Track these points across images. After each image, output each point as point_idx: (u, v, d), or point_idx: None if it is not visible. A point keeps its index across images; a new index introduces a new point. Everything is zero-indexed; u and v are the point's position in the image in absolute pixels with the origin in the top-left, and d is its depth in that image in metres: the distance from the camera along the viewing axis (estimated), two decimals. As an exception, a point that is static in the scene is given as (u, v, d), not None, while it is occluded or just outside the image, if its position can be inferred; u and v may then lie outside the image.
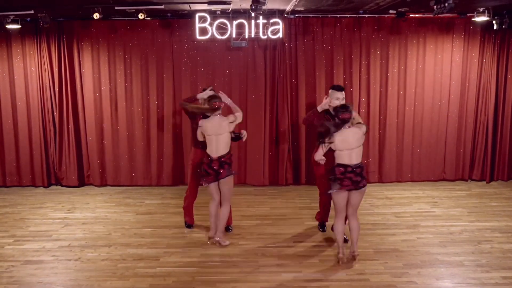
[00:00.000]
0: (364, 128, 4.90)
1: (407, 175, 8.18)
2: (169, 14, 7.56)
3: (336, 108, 4.93)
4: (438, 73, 8.01)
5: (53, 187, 8.20)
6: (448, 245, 5.52)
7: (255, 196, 7.54)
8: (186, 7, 6.90)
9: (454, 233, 5.90)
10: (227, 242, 5.53)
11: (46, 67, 7.83)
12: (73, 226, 6.29)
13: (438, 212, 6.69)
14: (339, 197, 4.88)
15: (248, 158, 8.10)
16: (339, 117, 4.81)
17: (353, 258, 5.05)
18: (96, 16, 6.57)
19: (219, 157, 5.29)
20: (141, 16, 6.90)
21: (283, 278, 4.74)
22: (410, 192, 7.61)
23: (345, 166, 4.79)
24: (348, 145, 4.78)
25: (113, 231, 6.08)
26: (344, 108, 4.84)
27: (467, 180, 8.29)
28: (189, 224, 6.18)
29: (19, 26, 7.08)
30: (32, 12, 6.64)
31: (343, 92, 5.40)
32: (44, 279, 4.76)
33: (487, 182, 8.17)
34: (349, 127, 4.84)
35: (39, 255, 5.33)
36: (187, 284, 4.63)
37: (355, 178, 4.78)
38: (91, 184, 8.23)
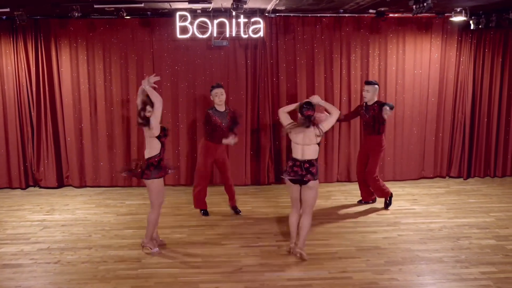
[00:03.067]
0: (318, 131, 4.96)
1: (389, 174, 8.26)
2: (149, 12, 7.48)
3: (301, 105, 5.04)
4: (417, 72, 8.12)
5: (31, 188, 8.05)
6: (428, 241, 5.61)
7: (237, 195, 7.49)
8: (166, 5, 6.84)
9: (433, 229, 6.00)
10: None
11: (23, 66, 7.67)
12: (52, 228, 6.18)
13: (418, 209, 6.79)
14: (290, 188, 5.14)
15: (229, 157, 8.05)
16: (303, 114, 4.96)
17: (299, 257, 5.14)
18: (74, 14, 6.46)
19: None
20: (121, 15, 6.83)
21: (266, 277, 4.74)
22: (391, 190, 7.68)
23: (294, 160, 5.02)
24: (300, 140, 4.97)
25: (93, 233, 6.00)
26: (308, 105, 4.98)
27: (445, 177, 8.43)
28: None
29: (-6, 25, 6.94)
30: (8, 10, 6.50)
31: (368, 85, 6.53)
32: (23, 283, 4.66)
33: (464, 179, 8.33)
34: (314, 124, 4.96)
35: (17, 259, 5.22)
36: (169, 285, 4.59)
37: (300, 172, 4.95)
38: (70, 185, 8.10)
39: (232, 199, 6.74)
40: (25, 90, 7.76)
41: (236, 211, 6.73)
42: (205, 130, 6.37)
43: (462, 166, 8.39)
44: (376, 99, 6.58)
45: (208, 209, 6.68)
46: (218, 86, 6.27)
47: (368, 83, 6.59)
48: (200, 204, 6.61)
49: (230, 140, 6.23)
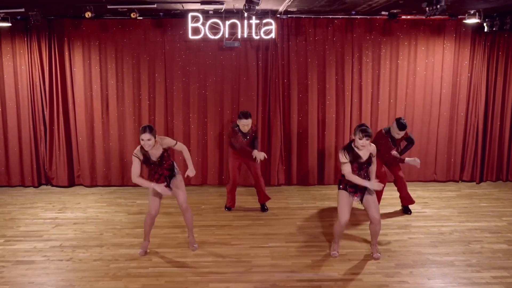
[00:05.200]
0: None
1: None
2: (161, 13, 7.53)
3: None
4: (429, 74, 8.08)
5: (43, 187, 8.13)
6: (439, 245, 5.57)
7: (247, 197, 7.54)
8: (178, 6, 6.88)
9: (444, 233, 5.96)
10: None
11: (37, 65, 7.76)
12: (64, 226, 6.24)
13: (429, 213, 6.75)
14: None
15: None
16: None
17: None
18: (88, 15, 6.52)
19: None
20: (133, 15, 6.88)
21: (276, 278, 4.75)
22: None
23: None
24: None
25: (104, 231, 6.05)
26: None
27: (457, 181, 8.37)
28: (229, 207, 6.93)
29: (9, 24, 7.02)
30: (23, 10, 6.57)
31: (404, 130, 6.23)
32: (36, 279, 4.72)
33: (477, 183, 8.26)
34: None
35: (30, 256, 5.28)
36: (180, 284, 4.62)
37: None
38: (81, 184, 8.16)
39: (260, 196, 6.89)
40: (38, 90, 7.85)
41: (263, 208, 6.91)
42: (229, 141, 6.64)
43: (475, 170, 8.31)
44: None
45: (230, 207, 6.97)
46: (246, 117, 6.36)
47: (405, 127, 6.20)
48: (228, 202, 6.91)
49: (257, 154, 6.41)
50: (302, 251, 5.40)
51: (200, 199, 7.46)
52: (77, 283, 4.63)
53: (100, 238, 5.82)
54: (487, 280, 4.69)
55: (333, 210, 6.84)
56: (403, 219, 6.48)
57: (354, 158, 4.89)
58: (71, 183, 8.12)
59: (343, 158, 4.91)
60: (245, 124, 6.38)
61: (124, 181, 8.14)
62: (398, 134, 6.20)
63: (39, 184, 8.13)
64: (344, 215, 4.98)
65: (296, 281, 4.69)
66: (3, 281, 4.67)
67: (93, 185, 8.13)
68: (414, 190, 7.85)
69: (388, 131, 6.31)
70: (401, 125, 6.13)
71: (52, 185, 8.11)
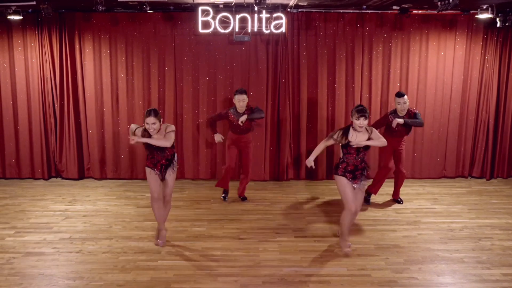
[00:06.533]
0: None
1: (408, 172, 8.17)
2: (171, 7, 7.53)
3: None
4: (440, 70, 8.00)
5: (53, 179, 8.19)
6: (448, 241, 5.54)
7: (256, 191, 7.54)
8: (189, 0, 6.87)
9: (454, 229, 5.92)
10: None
11: (47, 58, 7.80)
12: (74, 218, 6.28)
13: (438, 209, 6.70)
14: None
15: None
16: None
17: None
18: (99, 8, 6.53)
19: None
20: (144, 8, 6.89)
21: (284, 272, 4.75)
22: (410, 188, 7.62)
23: None
24: None
25: (114, 224, 6.08)
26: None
27: (466, 177, 8.30)
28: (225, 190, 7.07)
29: (20, 17, 7.05)
30: (34, 3, 6.60)
31: (405, 97, 6.41)
32: (46, 271, 4.76)
33: (487, 180, 8.19)
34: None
35: (40, 247, 5.33)
36: (188, 278, 4.63)
37: None
38: (91, 177, 8.21)
39: (242, 190, 7.10)
40: (49, 83, 7.89)
41: (242, 199, 7.12)
42: (213, 117, 6.94)
43: (485, 166, 8.24)
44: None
45: (228, 197, 7.12)
46: (241, 92, 6.51)
47: (404, 94, 6.43)
48: (221, 183, 6.96)
49: (242, 118, 6.48)
50: (311, 246, 5.40)
51: (209, 193, 7.46)
52: (86, 275, 4.67)
53: (109, 230, 5.85)
54: (497, 278, 4.65)
55: (342, 205, 6.81)
56: (412, 215, 6.44)
57: (348, 142, 4.93)
58: (81, 176, 8.17)
59: (335, 135, 4.99)
60: (240, 100, 6.45)
61: (134, 174, 8.18)
62: (399, 104, 6.40)
63: (49, 177, 8.19)
64: (351, 202, 5.01)
65: (305, 275, 4.69)
66: (14, 272, 4.72)
67: (102, 178, 8.18)
68: (423, 186, 7.82)
69: (393, 112, 6.59)
70: (398, 93, 6.44)
71: (62, 178, 8.17)
